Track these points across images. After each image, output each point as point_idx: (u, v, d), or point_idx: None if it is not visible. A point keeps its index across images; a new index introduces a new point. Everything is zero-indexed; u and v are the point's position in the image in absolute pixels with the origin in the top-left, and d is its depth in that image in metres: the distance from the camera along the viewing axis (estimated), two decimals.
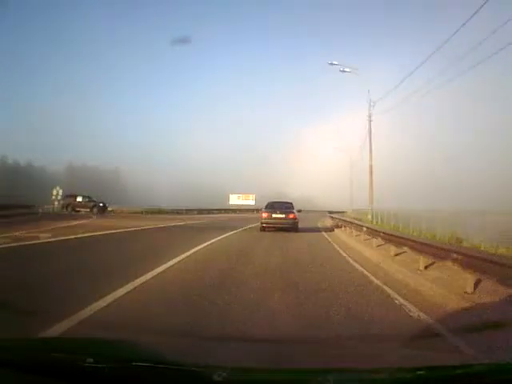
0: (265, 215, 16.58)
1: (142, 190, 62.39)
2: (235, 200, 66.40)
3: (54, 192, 34.54)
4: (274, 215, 16.48)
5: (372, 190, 21.76)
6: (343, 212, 41.61)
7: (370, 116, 21.74)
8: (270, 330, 3.80)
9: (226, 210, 54.23)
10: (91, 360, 1.41)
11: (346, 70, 20.82)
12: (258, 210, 51.14)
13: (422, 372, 1.42)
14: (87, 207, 32.68)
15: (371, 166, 21.56)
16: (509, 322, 3.98)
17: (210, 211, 47.51)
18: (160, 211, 39.48)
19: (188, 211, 41.60)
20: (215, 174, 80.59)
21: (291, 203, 18.09)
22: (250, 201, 66.48)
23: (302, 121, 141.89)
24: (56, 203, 34.04)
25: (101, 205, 33.26)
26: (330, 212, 38.63)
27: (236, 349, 2.18)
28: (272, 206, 17.34)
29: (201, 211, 44.59)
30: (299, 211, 17.78)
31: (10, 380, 1.45)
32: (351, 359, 1.90)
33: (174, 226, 19.21)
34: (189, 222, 22.94)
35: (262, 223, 16.52)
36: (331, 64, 20.63)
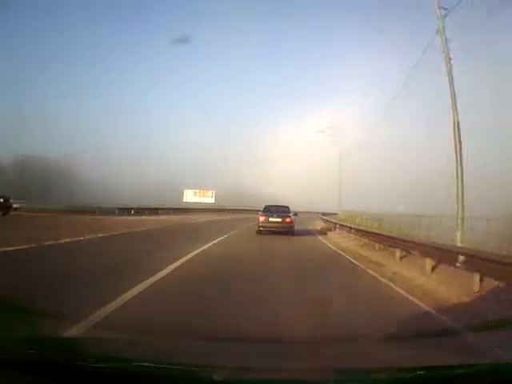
0: (262, 219, 17.32)
1: (97, 186, 52.58)
2: (191, 197, 56.50)
3: None
4: (270, 219, 17.24)
5: (462, 180, 10.94)
6: (334, 214, 35.34)
7: (443, 26, 11.21)
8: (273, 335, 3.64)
9: (176, 210, 41.61)
10: (91, 360, 1.41)
11: None
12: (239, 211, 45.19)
13: (421, 372, 1.43)
14: None
15: (458, 124, 11.06)
16: (509, 322, 3.98)
17: (153, 210, 35.56)
18: (81, 210, 28.04)
19: (121, 210, 31.54)
20: (175, 169, 68.87)
21: (287, 207, 18.74)
22: (208, 198, 57.06)
23: (281, 116, 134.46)
24: None
25: (1, 200, 23.52)
26: (324, 214, 34.07)
27: (236, 349, 2.18)
28: (269, 210, 18.04)
29: (139, 211, 33.43)
30: (295, 214, 18.33)
31: (11, 380, 1.45)
32: (351, 359, 1.91)
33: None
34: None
35: (259, 226, 17.29)
36: None
